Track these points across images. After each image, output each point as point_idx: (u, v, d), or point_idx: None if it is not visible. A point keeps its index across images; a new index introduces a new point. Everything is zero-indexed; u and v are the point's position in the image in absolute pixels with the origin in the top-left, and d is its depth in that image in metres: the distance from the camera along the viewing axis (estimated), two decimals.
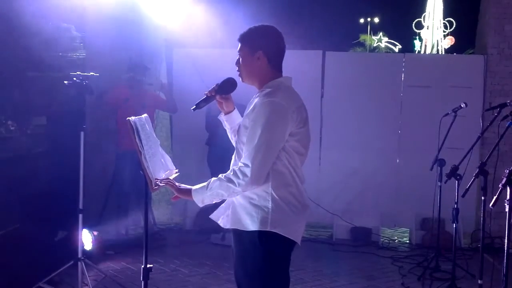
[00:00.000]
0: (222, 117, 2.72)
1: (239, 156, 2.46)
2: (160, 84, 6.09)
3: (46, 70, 5.10)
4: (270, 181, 2.37)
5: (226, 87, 2.59)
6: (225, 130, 2.77)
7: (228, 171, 2.39)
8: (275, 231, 2.36)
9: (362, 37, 30.28)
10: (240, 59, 2.53)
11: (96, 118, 6.05)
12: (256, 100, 2.45)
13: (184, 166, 5.51)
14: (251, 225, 2.39)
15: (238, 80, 2.58)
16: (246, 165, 2.31)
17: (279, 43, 2.53)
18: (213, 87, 2.59)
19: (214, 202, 2.49)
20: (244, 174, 2.31)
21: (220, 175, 2.40)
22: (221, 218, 2.56)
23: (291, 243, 2.45)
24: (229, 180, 2.35)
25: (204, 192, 2.42)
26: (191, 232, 6.44)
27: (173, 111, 6.27)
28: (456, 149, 5.25)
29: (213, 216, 2.60)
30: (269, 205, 2.37)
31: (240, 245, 2.48)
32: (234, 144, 2.61)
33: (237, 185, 2.33)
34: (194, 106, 2.59)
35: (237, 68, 2.56)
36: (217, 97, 2.61)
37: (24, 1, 4.54)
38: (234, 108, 2.71)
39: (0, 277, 4.02)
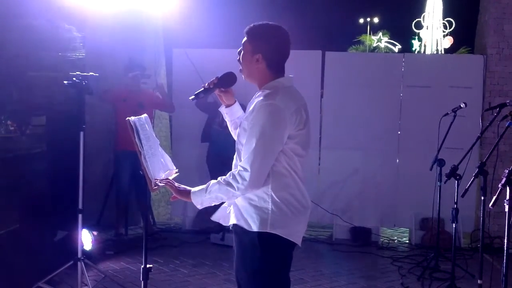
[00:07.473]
0: (222, 110, 2.72)
1: (239, 157, 2.44)
2: (156, 84, 6.08)
3: (46, 70, 5.10)
4: (270, 183, 2.36)
5: (225, 80, 2.58)
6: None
7: (227, 175, 2.38)
8: (274, 232, 2.36)
9: (362, 37, 30.29)
10: (242, 53, 2.48)
11: (96, 118, 6.06)
12: (255, 101, 2.42)
13: (184, 166, 5.51)
14: (251, 226, 2.38)
15: (239, 75, 2.54)
16: (245, 169, 2.31)
17: (283, 47, 2.46)
18: (212, 80, 2.58)
19: (213, 205, 2.49)
20: (243, 178, 2.31)
21: (219, 178, 2.39)
22: (222, 218, 2.57)
23: (291, 244, 2.43)
24: (228, 184, 2.34)
25: (203, 195, 2.41)
26: (191, 232, 6.44)
27: (170, 110, 6.27)
28: (456, 149, 5.26)
29: (214, 217, 2.61)
30: (269, 206, 2.36)
31: (240, 245, 2.47)
32: (234, 137, 2.58)
33: (236, 189, 2.33)
34: (193, 96, 2.57)
35: (239, 65, 2.51)
36: (216, 90, 2.60)
37: (24, 1, 4.54)
38: (235, 101, 2.69)
39: (0, 277, 4.02)
